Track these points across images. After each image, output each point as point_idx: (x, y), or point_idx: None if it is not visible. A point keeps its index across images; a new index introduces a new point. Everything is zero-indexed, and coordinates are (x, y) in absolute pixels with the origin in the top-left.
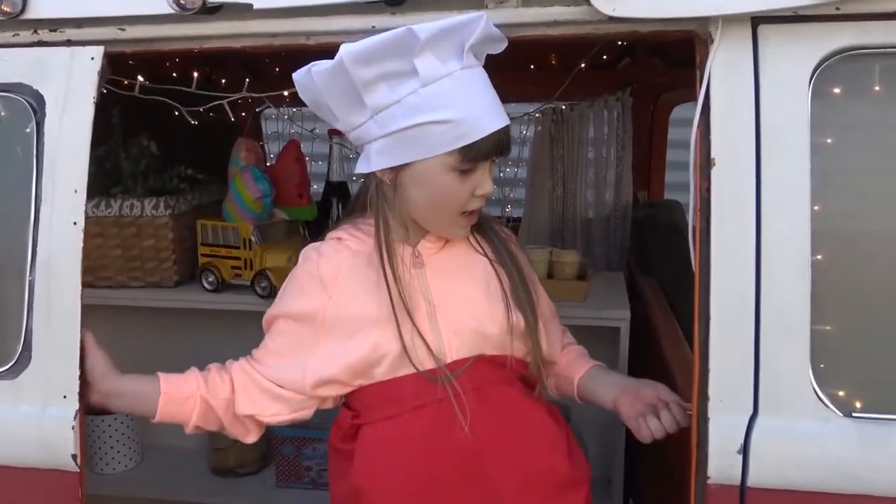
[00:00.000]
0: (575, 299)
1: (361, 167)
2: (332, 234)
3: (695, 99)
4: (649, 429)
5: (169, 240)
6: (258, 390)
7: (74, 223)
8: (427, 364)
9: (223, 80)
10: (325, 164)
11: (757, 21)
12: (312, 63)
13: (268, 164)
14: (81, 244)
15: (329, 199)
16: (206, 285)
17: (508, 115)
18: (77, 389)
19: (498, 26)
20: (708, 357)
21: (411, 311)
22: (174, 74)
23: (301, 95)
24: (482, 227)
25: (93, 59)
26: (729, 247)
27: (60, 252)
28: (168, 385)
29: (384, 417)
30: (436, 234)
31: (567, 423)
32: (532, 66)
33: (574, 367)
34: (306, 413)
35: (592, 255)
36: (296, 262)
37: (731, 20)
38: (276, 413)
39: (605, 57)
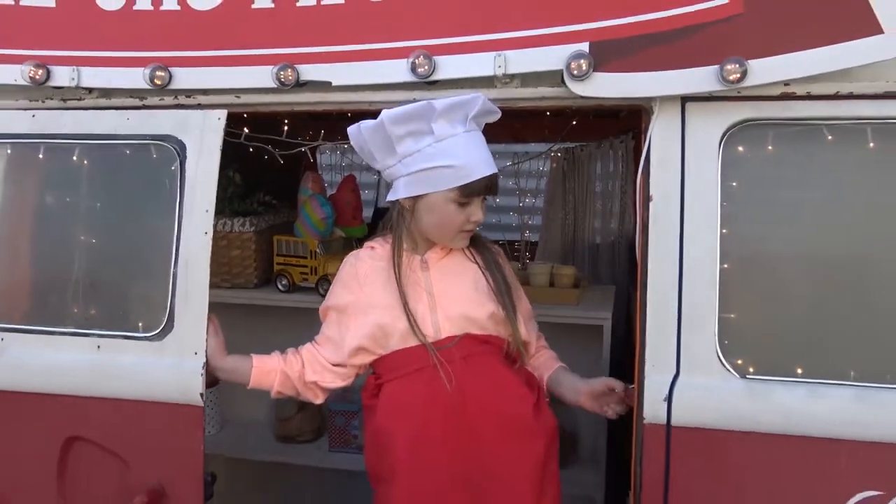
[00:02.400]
0: (570, 303)
1: (391, 196)
2: (368, 243)
3: None
4: (613, 412)
5: (252, 250)
6: (319, 365)
7: (206, 233)
8: (428, 339)
9: (285, 123)
10: (374, 192)
11: (685, 99)
12: (361, 122)
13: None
14: (210, 248)
15: (377, 221)
16: (279, 287)
17: (528, 153)
18: (204, 349)
19: (502, 100)
20: (645, 335)
21: (411, 301)
22: (244, 116)
23: (352, 143)
24: (476, 243)
25: (219, 119)
26: (661, 259)
27: (195, 253)
28: (259, 362)
29: (397, 377)
30: (441, 245)
31: (540, 389)
32: (548, 113)
33: (544, 368)
34: (351, 380)
35: (599, 273)
36: None
37: (666, 99)
38: (332, 381)
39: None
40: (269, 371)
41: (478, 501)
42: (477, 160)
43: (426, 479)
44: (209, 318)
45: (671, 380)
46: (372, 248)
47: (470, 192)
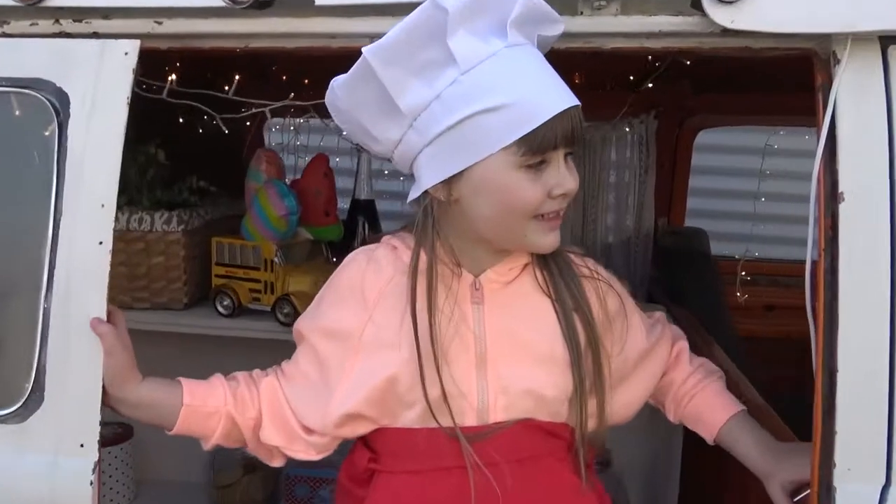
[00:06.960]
0: None
1: (413, 194)
2: (388, 239)
3: (725, 125)
4: None
5: (181, 258)
6: (286, 426)
7: (101, 243)
8: (467, 421)
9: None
10: (352, 180)
11: (886, 41)
12: (334, 78)
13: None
14: (108, 267)
15: (355, 218)
16: (220, 309)
17: None
18: (98, 438)
19: (593, 35)
20: (834, 417)
21: (445, 357)
22: (173, 77)
23: (335, 119)
24: (554, 260)
25: (127, 54)
26: (860, 290)
27: (83, 275)
28: (192, 397)
29: (405, 471)
30: (516, 249)
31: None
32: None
33: (714, 410)
34: (330, 452)
35: None
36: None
37: (859, 39)
38: (302, 452)
39: (630, 77)
40: (211, 413)
41: None
42: (540, 89)
43: None
44: (109, 312)
45: (879, 493)
46: (394, 248)
47: (542, 145)
